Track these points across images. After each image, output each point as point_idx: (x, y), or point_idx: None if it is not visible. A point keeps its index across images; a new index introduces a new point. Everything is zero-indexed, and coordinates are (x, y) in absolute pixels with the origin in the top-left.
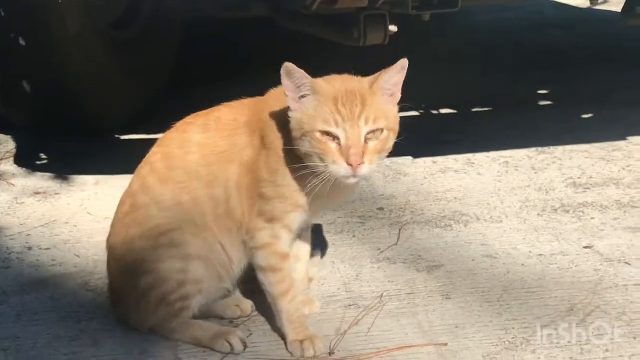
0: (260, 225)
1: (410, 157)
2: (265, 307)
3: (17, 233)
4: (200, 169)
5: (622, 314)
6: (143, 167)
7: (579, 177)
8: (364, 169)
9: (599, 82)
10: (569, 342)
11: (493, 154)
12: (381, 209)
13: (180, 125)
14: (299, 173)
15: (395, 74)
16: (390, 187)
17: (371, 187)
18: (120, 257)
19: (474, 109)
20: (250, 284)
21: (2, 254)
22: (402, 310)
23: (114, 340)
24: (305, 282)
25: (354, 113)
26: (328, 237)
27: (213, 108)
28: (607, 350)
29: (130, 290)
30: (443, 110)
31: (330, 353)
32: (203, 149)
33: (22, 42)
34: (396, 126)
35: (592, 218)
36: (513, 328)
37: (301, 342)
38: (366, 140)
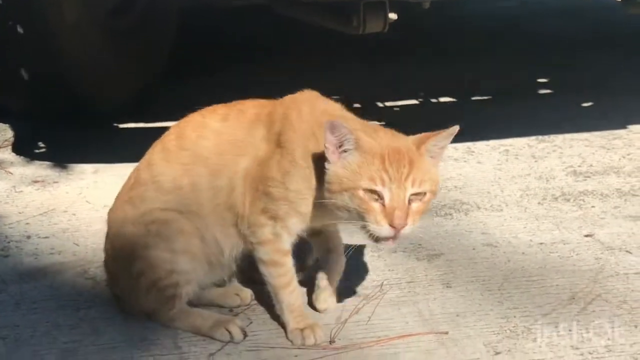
0: (263, 221)
1: None
2: (265, 296)
3: (15, 222)
4: (210, 156)
5: (623, 303)
6: (157, 145)
7: (579, 166)
8: (406, 231)
9: (599, 70)
10: (570, 330)
11: (493, 142)
12: None
13: (202, 111)
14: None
15: (444, 139)
16: None
17: None
18: (113, 239)
19: (474, 98)
20: (250, 273)
21: (1, 242)
22: (403, 299)
23: (113, 329)
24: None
25: (402, 174)
26: None
27: (238, 101)
28: (608, 339)
29: (123, 273)
30: (443, 99)
31: (331, 342)
32: (219, 137)
33: (20, 30)
34: (437, 188)
35: (592, 207)
36: (514, 317)
37: (302, 330)
38: (409, 201)
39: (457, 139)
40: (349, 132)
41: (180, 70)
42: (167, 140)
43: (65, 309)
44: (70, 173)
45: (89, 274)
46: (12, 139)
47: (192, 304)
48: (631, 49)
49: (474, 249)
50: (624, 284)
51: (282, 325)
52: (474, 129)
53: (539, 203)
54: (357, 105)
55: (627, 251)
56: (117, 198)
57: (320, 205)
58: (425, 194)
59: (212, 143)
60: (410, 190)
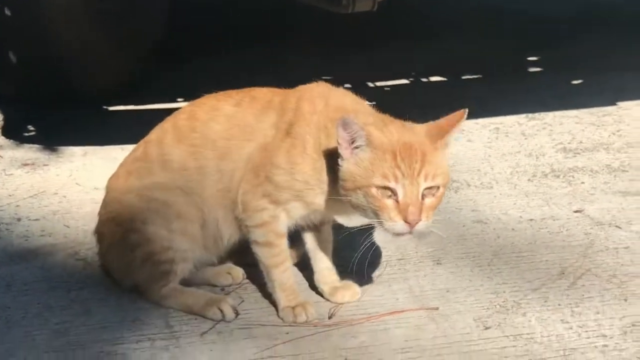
0: (263, 205)
1: None
2: (256, 274)
3: (6, 204)
4: (219, 140)
5: (612, 277)
6: (168, 121)
7: (569, 143)
8: (420, 226)
9: (589, 48)
10: (559, 305)
11: (483, 120)
12: None
13: (217, 94)
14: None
15: (458, 129)
16: None
17: None
18: (111, 203)
19: (464, 77)
20: (242, 254)
21: None
22: (394, 276)
23: (105, 309)
24: (332, 273)
25: (414, 169)
26: None
27: (252, 88)
28: (597, 313)
29: (117, 241)
30: (433, 78)
31: (330, 317)
32: (230, 121)
33: (8, 12)
34: (449, 180)
35: (582, 183)
36: (504, 292)
37: (293, 308)
38: (423, 196)
39: None
40: (360, 128)
41: (174, 52)
42: (179, 119)
43: (56, 290)
44: (60, 156)
45: (80, 255)
46: (1, 123)
47: (184, 282)
48: (622, 27)
49: (464, 226)
50: (613, 258)
51: (274, 303)
52: (464, 107)
53: (528, 180)
54: (347, 85)
55: (616, 226)
56: (121, 166)
57: (334, 200)
58: (438, 187)
59: (222, 127)
60: (424, 185)
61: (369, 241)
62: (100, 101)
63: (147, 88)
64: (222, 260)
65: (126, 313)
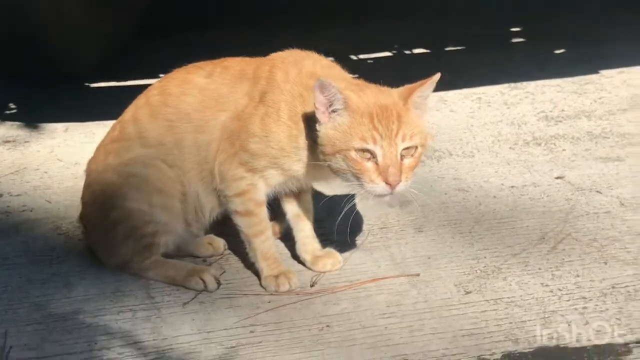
0: (241, 174)
1: None
2: (238, 245)
3: None
4: (194, 113)
5: (593, 241)
6: (140, 98)
7: (551, 111)
8: (400, 187)
9: (572, 18)
10: (539, 269)
11: (466, 91)
12: None
13: (187, 67)
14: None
15: (427, 89)
16: None
17: None
18: (92, 184)
19: (447, 48)
20: (223, 225)
21: None
22: (376, 244)
23: (86, 282)
24: (314, 241)
25: (391, 130)
26: None
27: (224, 58)
28: (578, 276)
29: (100, 220)
30: (416, 50)
31: (313, 285)
32: (202, 93)
33: None
34: (427, 141)
35: (563, 150)
36: (485, 257)
37: (276, 277)
38: (402, 157)
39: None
40: (338, 91)
41: (157, 27)
42: (150, 95)
43: (37, 264)
44: (41, 132)
45: (62, 229)
46: None
47: (166, 255)
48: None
49: (445, 194)
50: (594, 222)
51: (256, 273)
52: (447, 78)
53: (510, 148)
54: (330, 58)
55: (597, 191)
56: (99, 148)
57: (312, 165)
58: (416, 148)
59: (195, 99)
60: (402, 145)
61: (349, 206)
62: (81, 77)
63: (129, 64)
64: (205, 232)
65: (107, 285)
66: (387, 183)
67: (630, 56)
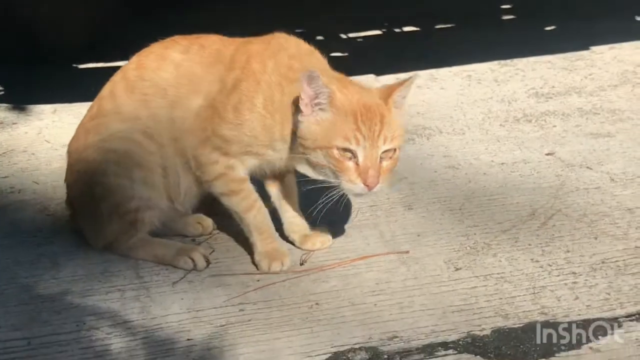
0: (215, 158)
1: (373, 75)
2: (227, 224)
3: None
4: (168, 88)
5: (583, 216)
6: (117, 74)
7: (541, 88)
8: (377, 189)
9: None
10: (529, 244)
11: (456, 68)
12: None
13: (164, 41)
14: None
15: (406, 89)
16: None
17: None
18: (75, 164)
19: (437, 26)
20: (212, 204)
21: None
22: (365, 222)
23: (74, 262)
24: (301, 220)
25: (374, 132)
26: None
27: (202, 35)
28: (568, 251)
29: (85, 201)
30: (406, 28)
31: (302, 263)
32: (178, 69)
33: None
34: (403, 142)
35: (554, 126)
36: (474, 234)
37: (269, 257)
38: (381, 159)
39: (420, 66)
40: (325, 85)
41: (144, 6)
42: (127, 70)
43: (25, 245)
44: (29, 114)
45: (49, 210)
46: None
47: (154, 234)
48: None
49: (435, 171)
50: (584, 198)
51: (249, 250)
52: (437, 56)
53: (500, 125)
54: (320, 37)
55: (587, 167)
56: (79, 127)
57: (289, 156)
58: (395, 150)
59: (170, 75)
60: (383, 148)
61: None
62: (69, 58)
63: (118, 44)
64: (194, 211)
65: (95, 266)
66: (365, 184)
67: (621, 32)
